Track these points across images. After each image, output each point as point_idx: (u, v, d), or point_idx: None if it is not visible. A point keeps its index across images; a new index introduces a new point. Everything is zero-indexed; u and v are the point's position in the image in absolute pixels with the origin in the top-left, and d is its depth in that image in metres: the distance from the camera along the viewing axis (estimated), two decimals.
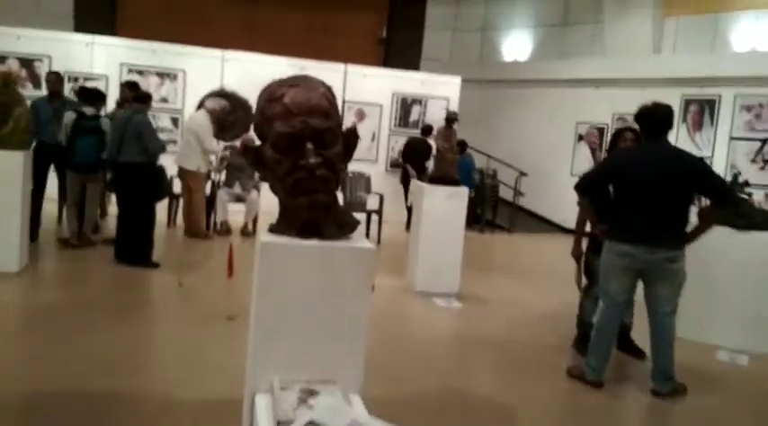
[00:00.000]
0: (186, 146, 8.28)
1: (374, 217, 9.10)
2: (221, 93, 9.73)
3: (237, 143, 8.74)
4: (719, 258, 5.29)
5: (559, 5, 13.22)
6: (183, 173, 8.24)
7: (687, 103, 10.21)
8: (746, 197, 6.00)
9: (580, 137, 11.99)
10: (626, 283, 4.24)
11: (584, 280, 5.02)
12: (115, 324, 4.86)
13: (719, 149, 9.84)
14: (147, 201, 6.59)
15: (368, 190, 9.66)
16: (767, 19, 9.90)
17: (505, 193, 12.04)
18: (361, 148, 10.04)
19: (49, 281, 6.26)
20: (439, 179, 6.79)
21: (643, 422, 4.33)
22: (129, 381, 3.87)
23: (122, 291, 5.88)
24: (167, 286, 6.01)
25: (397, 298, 6.32)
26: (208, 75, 10.31)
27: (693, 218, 4.35)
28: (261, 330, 2.27)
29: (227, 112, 8.73)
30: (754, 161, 9.32)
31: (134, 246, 6.49)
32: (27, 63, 9.89)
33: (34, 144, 6.50)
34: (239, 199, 8.78)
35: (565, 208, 10.45)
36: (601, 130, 11.56)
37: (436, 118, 10.44)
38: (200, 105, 8.85)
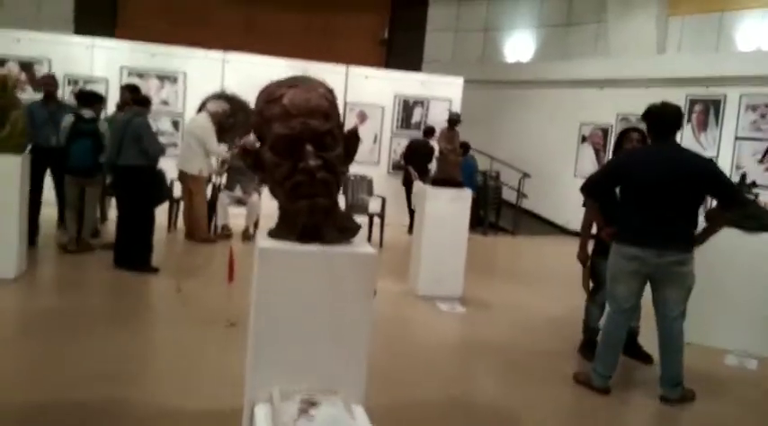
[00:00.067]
0: (187, 150, 8.24)
1: (376, 220, 9.07)
2: (222, 96, 9.71)
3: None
4: (727, 260, 5.21)
5: (562, 5, 13.16)
6: (184, 176, 8.21)
7: (692, 103, 10.14)
8: (753, 197, 5.93)
9: (584, 138, 11.94)
10: (634, 287, 4.15)
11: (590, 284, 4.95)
12: (113, 331, 4.80)
13: (725, 149, 9.77)
14: (146, 205, 6.53)
15: (370, 193, 9.63)
16: None
17: (508, 195, 11.99)
18: (363, 150, 10.01)
19: (47, 287, 6.21)
20: (442, 181, 6.73)
21: None
22: (127, 389, 3.82)
23: (121, 297, 5.82)
24: (167, 291, 5.95)
25: (400, 303, 6.26)
26: (208, 77, 10.29)
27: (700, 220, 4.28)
28: (260, 338, 2.23)
29: (228, 115, 8.70)
30: (761, 161, 9.25)
31: (133, 251, 6.43)
32: (27, 66, 9.86)
33: (30, 147, 6.44)
34: (240, 202, 8.73)
35: (568, 210, 10.42)
36: (604, 131, 11.51)
37: (438, 119, 10.40)
38: (201, 108, 8.82)
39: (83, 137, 6.73)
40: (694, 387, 4.29)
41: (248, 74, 9.62)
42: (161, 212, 7.32)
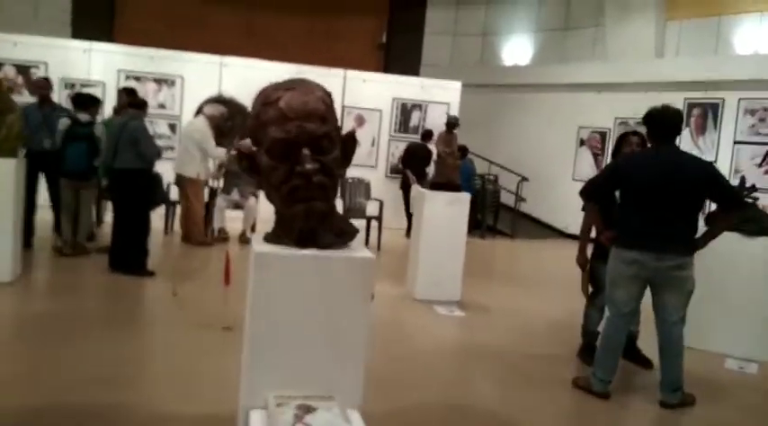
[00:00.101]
0: (184, 153, 8.21)
1: (374, 224, 9.05)
2: (219, 99, 9.69)
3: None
4: (727, 264, 5.19)
5: (560, 9, 13.17)
6: (181, 179, 8.18)
7: (690, 107, 10.14)
8: (753, 201, 5.91)
9: (582, 142, 11.93)
10: (633, 291, 4.13)
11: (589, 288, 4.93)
12: (109, 334, 4.77)
13: (723, 153, 9.78)
14: (142, 208, 6.50)
15: (367, 197, 9.61)
16: None
17: (507, 199, 11.98)
18: (361, 154, 10.00)
19: (43, 291, 6.17)
20: (440, 185, 6.71)
21: None
22: (123, 392, 3.79)
23: (117, 300, 5.79)
24: (162, 295, 5.92)
25: (398, 306, 6.23)
26: (206, 80, 10.28)
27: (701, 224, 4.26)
28: (255, 344, 2.20)
29: (226, 118, 8.68)
30: (760, 165, 9.24)
31: (129, 254, 6.40)
32: (24, 70, 9.84)
33: (24, 151, 6.40)
34: (237, 206, 8.71)
35: (567, 213, 10.42)
36: (602, 135, 11.50)
37: (436, 123, 10.39)
38: (199, 111, 8.80)
39: (78, 141, 6.71)
40: (694, 392, 4.26)
41: (246, 77, 9.58)
42: (157, 215, 7.30)
